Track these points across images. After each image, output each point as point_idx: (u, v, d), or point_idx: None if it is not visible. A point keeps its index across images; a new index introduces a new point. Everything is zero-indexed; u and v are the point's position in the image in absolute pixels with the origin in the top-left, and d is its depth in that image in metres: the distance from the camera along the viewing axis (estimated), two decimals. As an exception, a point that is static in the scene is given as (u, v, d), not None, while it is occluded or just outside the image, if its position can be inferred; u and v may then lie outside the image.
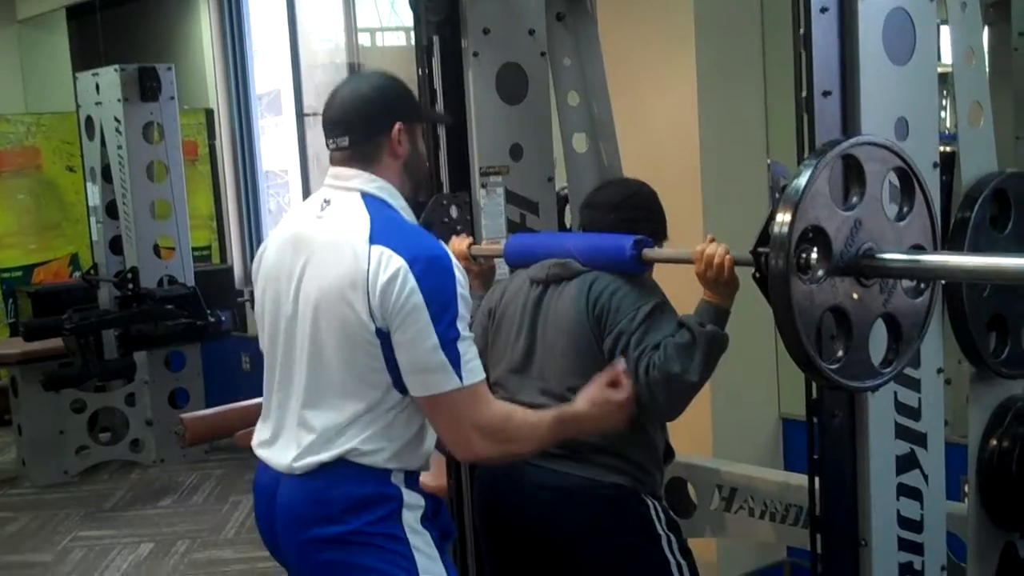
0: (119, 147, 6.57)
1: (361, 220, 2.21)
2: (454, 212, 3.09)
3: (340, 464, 2.21)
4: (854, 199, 2.06)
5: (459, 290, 2.16)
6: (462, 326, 2.15)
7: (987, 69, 2.61)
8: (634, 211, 2.73)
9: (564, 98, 3.37)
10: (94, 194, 6.90)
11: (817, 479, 2.37)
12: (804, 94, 2.22)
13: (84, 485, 6.44)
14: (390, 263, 2.12)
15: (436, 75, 3.06)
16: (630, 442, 2.59)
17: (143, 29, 8.39)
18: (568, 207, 3.44)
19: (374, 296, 2.12)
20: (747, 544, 4.09)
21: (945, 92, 3.39)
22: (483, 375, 2.20)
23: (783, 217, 1.97)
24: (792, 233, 1.97)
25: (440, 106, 3.07)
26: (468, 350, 2.16)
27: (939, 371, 2.41)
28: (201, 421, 4.98)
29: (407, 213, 2.30)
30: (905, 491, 2.37)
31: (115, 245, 6.77)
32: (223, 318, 6.53)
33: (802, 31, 2.19)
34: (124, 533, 5.57)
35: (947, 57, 2.49)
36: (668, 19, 4.13)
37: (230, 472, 6.38)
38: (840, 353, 2.06)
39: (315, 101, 7.94)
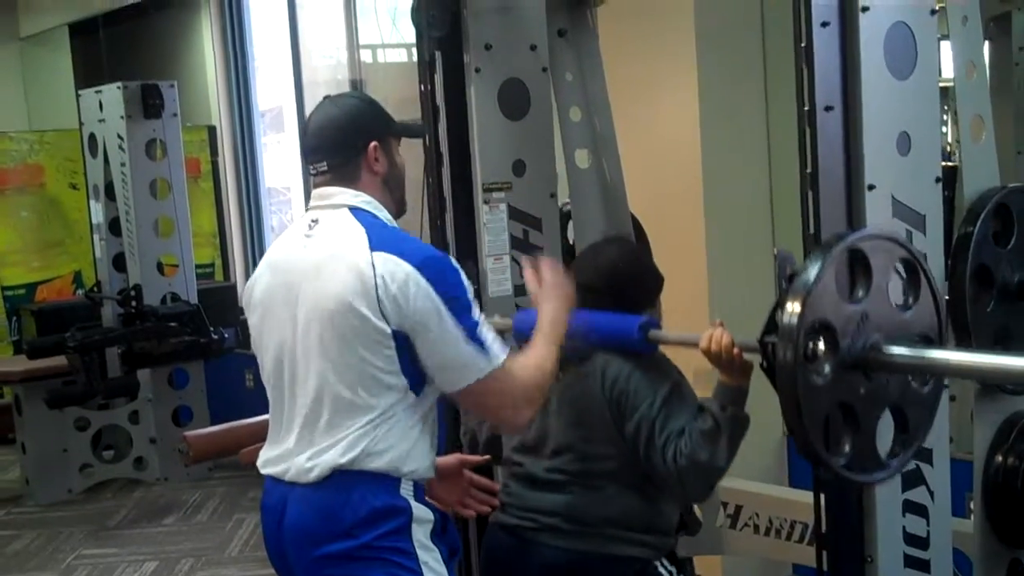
0: (122, 164, 6.57)
1: (356, 232, 2.25)
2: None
3: (351, 474, 2.21)
4: (860, 293, 2.07)
5: (465, 283, 2.24)
6: (476, 313, 2.23)
7: (988, 84, 2.60)
8: (621, 289, 2.70)
9: (566, 114, 3.36)
10: (97, 211, 6.90)
11: (823, 495, 2.35)
12: (806, 108, 2.21)
13: (88, 503, 6.43)
14: (398, 269, 2.18)
15: (438, 91, 3.06)
16: (641, 515, 2.61)
17: (146, 46, 8.41)
18: (571, 223, 3.43)
19: (386, 301, 2.16)
20: (752, 561, 4.07)
21: (946, 107, 3.38)
22: (506, 348, 2.26)
23: (791, 309, 1.99)
24: (801, 326, 1.98)
25: (442, 123, 3.07)
26: (488, 332, 2.23)
27: (944, 387, 2.39)
28: (205, 439, 4.98)
29: (394, 224, 2.36)
30: (911, 508, 2.36)
31: (118, 262, 6.78)
32: (226, 335, 6.52)
33: (803, 45, 2.19)
34: (128, 551, 5.56)
35: (947, 72, 2.47)
36: (670, 35, 4.13)
37: (234, 490, 6.37)
38: (847, 448, 2.07)
39: (318, 118, 7.94)
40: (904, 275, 2.14)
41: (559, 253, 3.25)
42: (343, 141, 2.35)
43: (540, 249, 3.18)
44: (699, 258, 4.07)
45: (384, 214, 2.35)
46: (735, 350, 2.41)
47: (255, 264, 8.50)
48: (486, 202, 3.10)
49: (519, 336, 2.85)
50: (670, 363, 2.67)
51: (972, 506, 2.69)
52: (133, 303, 6.54)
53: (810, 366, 2.00)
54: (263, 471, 2.37)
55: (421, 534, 2.25)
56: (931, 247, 2.32)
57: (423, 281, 2.17)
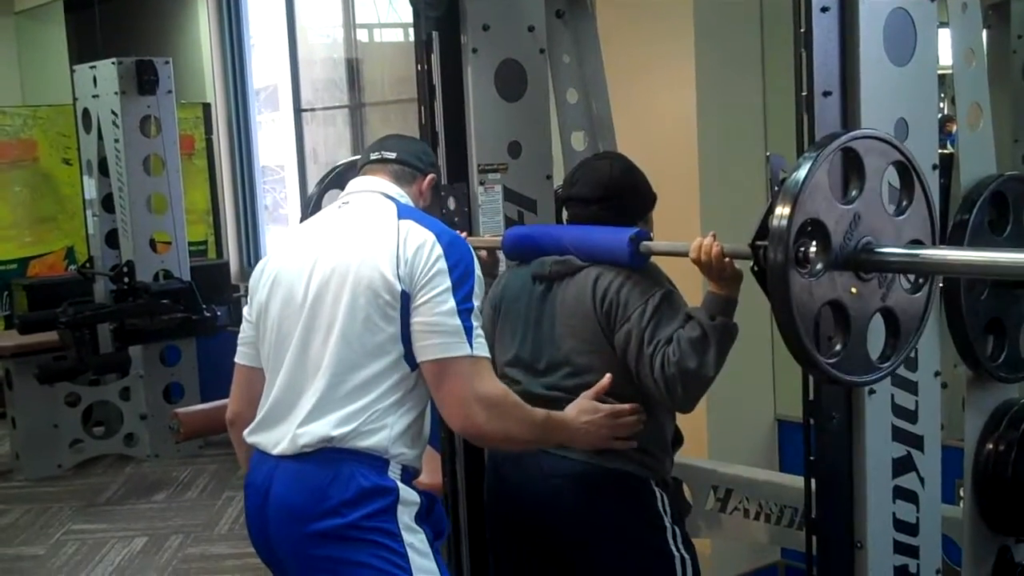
0: (116, 140, 6.56)
1: (386, 205, 2.39)
2: (451, 203, 3.08)
3: (340, 451, 2.22)
4: (853, 192, 2.05)
5: (476, 270, 2.30)
6: (476, 302, 2.27)
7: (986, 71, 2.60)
8: (614, 200, 2.70)
9: (563, 95, 3.36)
10: (90, 187, 6.89)
11: (813, 481, 2.36)
12: (804, 93, 2.21)
13: (77, 479, 6.43)
14: (419, 233, 2.28)
15: (435, 71, 3.05)
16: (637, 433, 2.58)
17: (141, 22, 8.38)
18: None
19: (403, 261, 2.23)
20: (741, 545, 4.08)
21: (942, 94, 3.38)
22: (488, 353, 2.28)
23: (782, 210, 1.96)
24: (791, 226, 1.95)
25: (439, 103, 3.06)
26: (479, 326, 2.26)
27: (936, 374, 2.40)
28: (196, 416, 4.98)
29: None
30: (901, 494, 2.36)
31: (111, 239, 6.77)
32: (219, 313, 6.53)
33: (803, 30, 2.18)
34: (117, 527, 5.57)
35: (944, 59, 2.47)
36: (668, 17, 4.12)
37: (224, 467, 6.37)
38: (838, 347, 2.05)
39: (312, 97, 7.94)
40: (898, 178, 2.13)
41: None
42: (417, 154, 2.56)
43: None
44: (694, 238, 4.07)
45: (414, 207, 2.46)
46: (725, 258, 2.41)
47: (248, 242, 8.54)
48: (481, 183, 3.10)
49: (508, 251, 2.86)
50: (661, 273, 2.66)
51: (962, 493, 2.70)
52: (125, 279, 6.55)
53: (801, 267, 1.99)
54: (250, 439, 2.37)
55: (407, 516, 2.26)
56: (926, 234, 2.32)
57: (439, 247, 2.26)
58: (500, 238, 2.90)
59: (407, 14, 3.12)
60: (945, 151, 2.67)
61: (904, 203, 2.11)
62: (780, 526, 3.29)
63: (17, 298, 7.52)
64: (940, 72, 2.40)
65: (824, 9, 2.18)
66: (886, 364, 2.12)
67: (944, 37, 2.46)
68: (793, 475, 3.40)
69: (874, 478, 2.32)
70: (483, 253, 2.98)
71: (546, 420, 2.39)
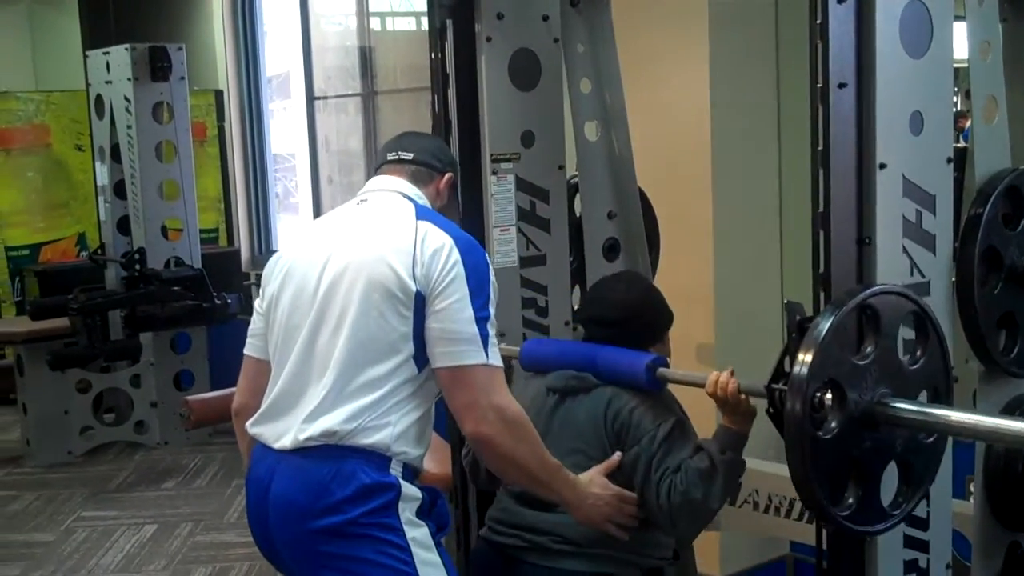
0: (128, 127, 6.56)
1: (404, 205, 2.38)
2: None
3: (342, 448, 2.21)
4: (869, 348, 2.08)
5: (492, 277, 2.29)
6: (492, 310, 2.26)
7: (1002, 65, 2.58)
8: (631, 324, 2.72)
9: (576, 85, 3.34)
10: (103, 173, 6.89)
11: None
12: (819, 85, 2.20)
13: (88, 466, 6.45)
14: (437, 236, 2.27)
15: (449, 59, 3.04)
16: (636, 540, 2.59)
17: (154, 8, 8.39)
18: (578, 196, 3.42)
19: (420, 262, 2.22)
20: (751, 538, 4.08)
21: (956, 88, 3.36)
22: (503, 364, 2.28)
23: (802, 360, 2.00)
24: (810, 383, 2.00)
25: (452, 91, 3.06)
26: (495, 334, 2.26)
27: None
28: (206, 403, 5.00)
29: None
30: (912, 488, 2.35)
31: (123, 225, 6.77)
32: (229, 301, 6.53)
33: (819, 21, 2.17)
34: (127, 514, 5.58)
35: (960, 52, 2.45)
36: (682, 7, 4.11)
37: (234, 455, 6.35)
38: (851, 500, 2.08)
39: (325, 84, 7.94)
40: (913, 329, 2.17)
41: (566, 226, 3.24)
42: (437, 154, 2.55)
43: (548, 220, 3.18)
44: (706, 233, 4.07)
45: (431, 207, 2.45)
46: (741, 396, 2.43)
47: (259, 230, 8.55)
48: (494, 172, 3.09)
49: (524, 363, 2.87)
50: (675, 400, 2.69)
51: (972, 488, 2.69)
52: (137, 266, 6.55)
53: (817, 417, 2.02)
54: (252, 430, 2.36)
55: (408, 511, 2.25)
56: (940, 228, 2.31)
57: (457, 253, 2.24)
58: (517, 349, 2.90)
59: (420, 2, 3.11)
60: (959, 145, 2.65)
61: (918, 353, 2.15)
62: (790, 519, 3.29)
63: (29, 284, 7.54)
64: (955, 65, 2.38)
65: (840, 0, 2.16)
66: (898, 512, 2.16)
67: (960, 30, 2.45)
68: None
69: (884, 472, 2.31)
70: None
71: (558, 469, 2.38)
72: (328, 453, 2.22)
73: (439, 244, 2.25)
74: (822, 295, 2.22)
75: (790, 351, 2.09)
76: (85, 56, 7.07)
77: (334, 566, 2.22)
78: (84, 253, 7.48)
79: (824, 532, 2.36)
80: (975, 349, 2.55)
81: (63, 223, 8.09)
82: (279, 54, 8.42)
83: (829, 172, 2.21)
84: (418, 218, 2.31)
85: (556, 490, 2.43)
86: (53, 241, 8.06)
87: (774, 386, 2.15)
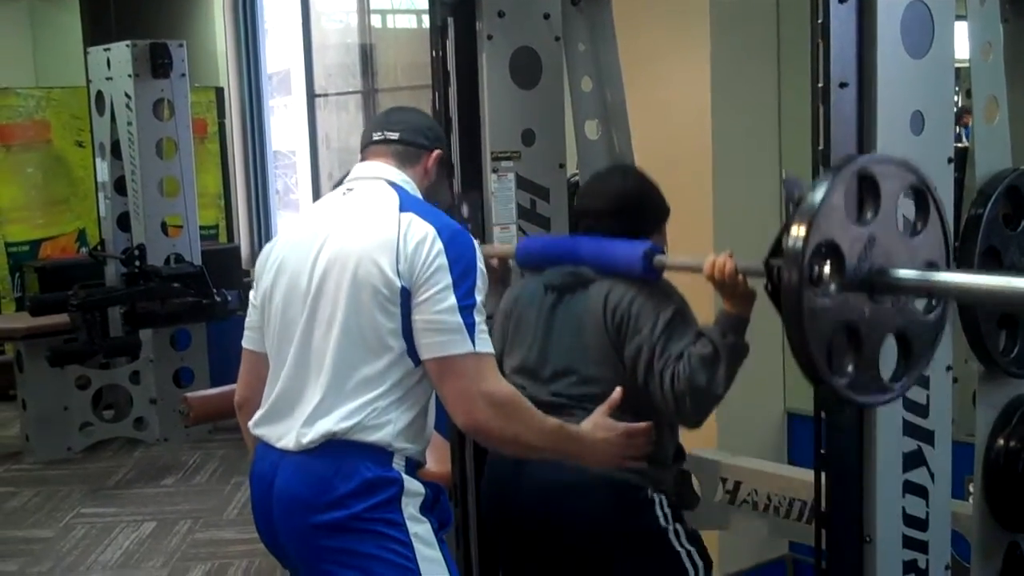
0: (129, 123, 6.56)
1: (389, 195, 2.33)
2: (465, 212, 3.08)
3: (344, 443, 2.21)
4: (868, 215, 2.04)
5: (479, 264, 2.26)
6: (479, 297, 2.23)
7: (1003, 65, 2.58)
8: (627, 214, 2.70)
9: (577, 84, 3.34)
10: (103, 170, 6.89)
11: (823, 474, 2.35)
12: (820, 84, 2.19)
13: (87, 462, 6.45)
14: (420, 227, 2.23)
15: (450, 57, 3.05)
16: None
17: (155, 5, 8.38)
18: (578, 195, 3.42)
19: (403, 256, 2.20)
20: (750, 538, 4.07)
21: (957, 87, 3.36)
22: (492, 349, 2.25)
23: (797, 231, 1.95)
24: (806, 247, 1.94)
25: (453, 89, 3.06)
26: (482, 321, 2.23)
27: (948, 368, 2.39)
28: (205, 400, 4.98)
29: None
30: (911, 488, 2.35)
31: (123, 222, 6.77)
32: (229, 297, 6.52)
33: (820, 21, 2.17)
34: (127, 511, 5.58)
35: (961, 52, 2.45)
36: (683, 5, 4.10)
37: (233, 452, 6.38)
38: (850, 368, 2.04)
39: (325, 82, 7.93)
40: (913, 201, 2.10)
41: (566, 224, 3.24)
42: (423, 131, 2.48)
43: (548, 219, 3.18)
44: (706, 232, 4.06)
45: (418, 194, 2.40)
46: (739, 276, 2.40)
47: (260, 226, 8.55)
48: (494, 171, 3.09)
49: (521, 261, 2.85)
50: (674, 289, 2.66)
51: (971, 489, 2.69)
52: (136, 263, 6.55)
53: (815, 288, 1.97)
54: (255, 431, 2.36)
55: (412, 506, 2.25)
56: (941, 228, 2.31)
57: (439, 243, 2.21)
58: (513, 247, 2.90)
59: (421, 0, 3.11)
60: (960, 144, 2.65)
61: (919, 226, 2.10)
62: (789, 519, 3.28)
63: (28, 280, 7.53)
64: (956, 65, 2.38)
65: (842, 0, 2.16)
66: (898, 384, 2.12)
67: (961, 30, 2.45)
68: (802, 468, 3.39)
69: (884, 472, 2.31)
70: (495, 262, 2.97)
71: (559, 429, 2.34)
72: (331, 450, 2.21)
73: (422, 235, 2.22)
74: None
75: (786, 225, 2.01)
76: (86, 52, 7.07)
77: (337, 560, 2.22)
78: (84, 249, 7.49)
79: (824, 532, 2.36)
80: (975, 349, 2.55)
81: (63, 219, 8.09)
82: (280, 51, 8.42)
83: (830, 172, 2.20)
84: (402, 210, 2.27)
85: (562, 451, 2.39)
86: (53, 237, 8.06)
87: (772, 261, 2.09)
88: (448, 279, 2.19)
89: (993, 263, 2.47)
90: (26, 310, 6.60)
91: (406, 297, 2.20)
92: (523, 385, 2.69)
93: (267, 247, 2.46)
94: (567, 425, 2.37)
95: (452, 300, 2.19)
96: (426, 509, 2.28)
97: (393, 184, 2.37)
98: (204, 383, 6.65)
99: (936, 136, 2.26)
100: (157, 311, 6.47)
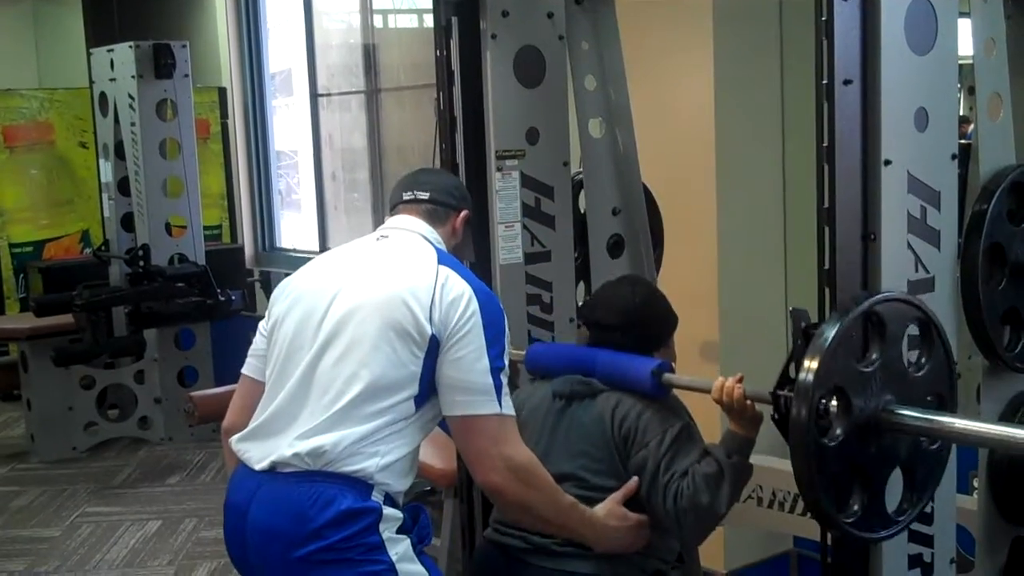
0: (132, 124, 6.57)
1: (426, 248, 2.40)
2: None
3: (323, 474, 2.21)
4: (874, 355, 2.09)
5: (507, 330, 2.33)
6: (504, 360, 2.28)
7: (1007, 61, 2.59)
8: (636, 329, 2.74)
9: (581, 82, 3.35)
10: (106, 170, 6.90)
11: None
12: (824, 82, 2.20)
13: (92, 461, 6.47)
14: (457, 284, 2.30)
15: (454, 56, 3.05)
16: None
17: (158, 6, 8.39)
18: (582, 192, 3.43)
19: (438, 306, 2.25)
20: (754, 534, 4.09)
21: (960, 85, 3.36)
22: (515, 413, 2.31)
23: (808, 368, 2.01)
24: (816, 390, 2.00)
25: (457, 88, 3.07)
26: (507, 385, 2.28)
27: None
28: (210, 399, 4.99)
29: None
30: (916, 483, 2.36)
31: (127, 222, 6.78)
32: (233, 297, 6.55)
33: (824, 18, 2.18)
34: (132, 510, 5.60)
35: (964, 50, 2.46)
36: (687, 4, 4.11)
37: (238, 451, 6.37)
38: (856, 507, 2.09)
39: (328, 82, 7.94)
40: (918, 335, 2.17)
41: (570, 222, 3.25)
42: (451, 191, 2.59)
43: (552, 217, 3.19)
44: (710, 229, 4.07)
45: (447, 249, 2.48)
46: (747, 401, 2.44)
47: (263, 227, 8.56)
48: (499, 169, 3.09)
49: (530, 366, 2.88)
50: (681, 405, 2.70)
51: (976, 483, 2.69)
52: (141, 263, 6.56)
53: (822, 424, 2.03)
54: (237, 445, 2.35)
55: (389, 530, 2.25)
56: (945, 224, 2.32)
57: (475, 303, 2.27)
58: (523, 352, 2.91)
59: (423, 0, 3.12)
60: (963, 141, 2.66)
61: (923, 360, 2.15)
62: (793, 514, 3.30)
63: (33, 281, 7.54)
64: (960, 62, 2.39)
65: (845, -3, 2.17)
66: (902, 518, 2.17)
67: (964, 27, 2.45)
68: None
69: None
70: None
71: (572, 508, 2.40)
72: (309, 478, 2.21)
73: (459, 292, 2.27)
74: (827, 292, 2.23)
75: (795, 357, 2.11)
76: (89, 53, 7.08)
77: None
78: (88, 250, 7.49)
79: (829, 527, 2.38)
80: (979, 345, 2.56)
81: (67, 220, 8.10)
82: (282, 51, 8.43)
83: (834, 169, 2.21)
84: (439, 263, 2.33)
85: (573, 530, 2.46)
86: (57, 238, 8.07)
87: (779, 392, 2.17)
88: (482, 340, 2.24)
89: (997, 259, 2.48)
90: (30, 311, 6.61)
91: (434, 345, 2.23)
92: None
93: (285, 280, 2.49)
94: (581, 506, 2.43)
95: (485, 361, 2.24)
96: (405, 530, 2.29)
97: (426, 238, 2.44)
98: (208, 382, 6.67)
99: (940, 133, 2.27)
100: (161, 311, 6.49)
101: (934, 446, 2.18)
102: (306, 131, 8.07)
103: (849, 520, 2.08)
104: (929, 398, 2.16)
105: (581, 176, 3.41)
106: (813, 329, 2.11)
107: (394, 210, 2.55)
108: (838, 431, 2.04)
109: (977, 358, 2.62)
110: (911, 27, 2.21)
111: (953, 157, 2.31)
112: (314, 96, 7.95)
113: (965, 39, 2.45)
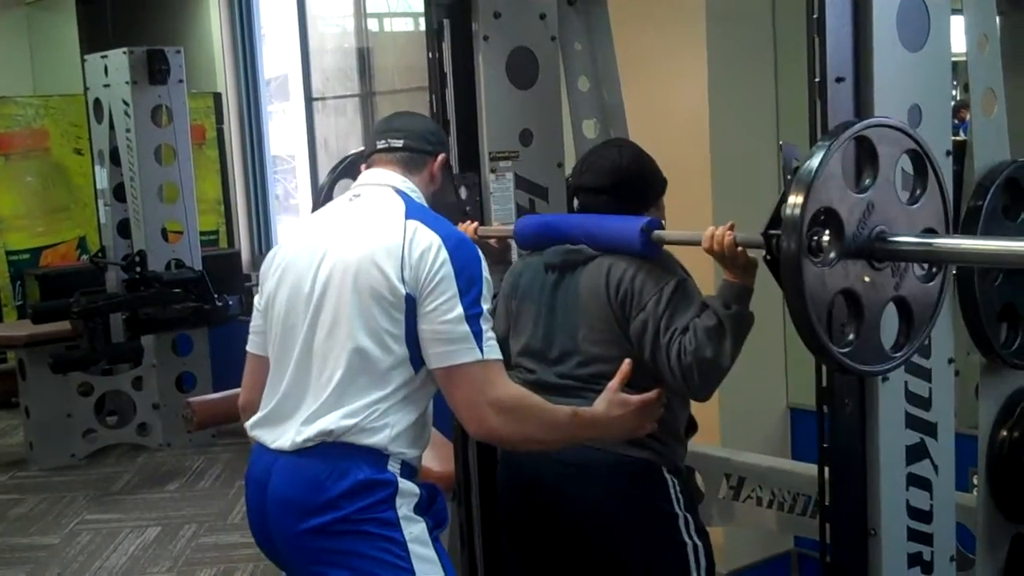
0: (127, 130, 6.56)
1: (395, 202, 2.34)
2: (463, 193, 3.08)
3: (339, 445, 2.21)
4: (867, 181, 2.04)
5: (484, 273, 2.26)
6: (485, 305, 2.24)
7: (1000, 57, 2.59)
8: (624, 189, 2.69)
9: (575, 83, 3.35)
10: (102, 177, 6.90)
11: (827, 468, 2.35)
12: (817, 80, 2.20)
13: (91, 468, 6.46)
14: (425, 236, 2.24)
15: (446, 58, 3.05)
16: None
17: (152, 12, 8.37)
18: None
19: (408, 264, 2.21)
20: (755, 534, 4.08)
21: (955, 81, 3.35)
22: (500, 355, 2.26)
23: (795, 199, 1.95)
24: (804, 214, 1.94)
25: (450, 91, 3.06)
26: (488, 328, 2.23)
27: (950, 361, 2.39)
28: (208, 405, 4.99)
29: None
30: (915, 481, 2.36)
31: (123, 228, 6.78)
32: (230, 302, 6.54)
33: (816, 16, 2.17)
34: (131, 517, 5.58)
35: (958, 46, 2.46)
36: (679, 4, 4.11)
37: (237, 456, 6.38)
38: (851, 337, 2.04)
39: (323, 86, 7.94)
40: (911, 167, 2.11)
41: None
42: (426, 136, 2.50)
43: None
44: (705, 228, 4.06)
45: (423, 201, 2.42)
46: (738, 247, 2.40)
47: (260, 232, 8.55)
48: (493, 171, 3.09)
49: (520, 240, 2.85)
50: (675, 262, 2.65)
51: (976, 481, 2.69)
52: (137, 269, 6.56)
53: (814, 257, 1.97)
54: (252, 433, 2.36)
55: (406, 507, 2.24)
56: (940, 221, 2.31)
57: (444, 252, 2.22)
58: (512, 227, 2.90)
59: (417, 3, 3.11)
60: (957, 138, 2.65)
61: (918, 191, 2.10)
62: (793, 514, 3.29)
63: (30, 288, 7.54)
64: (953, 59, 2.39)
65: (838, -6, 2.17)
66: (899, 353, 2.11)
67: (957, 24, 2.45)
68: (806, 463, 3.40)
69: (887, 465, 2.31)
70: (494, 242, 2.98)
71: (572, 419, 2.35)
72: (325, 451, 2.22)
73: (427, 244, 2.22)
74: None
75: (784, 194, 2.02)
76: (83, 60, 7.07)
77: (332, 561, 2.21)
78: (85, 256, 7.48)
79: (828, 527, 2.37)
80: (976, 342, 2.56)
81: (63, 227, 8.09)
82: (277, 56, 8.42)
83: (828, 167, 2.20)
84: (407, 217, 2.28)
85: (579, 437, 2.41)
86: (53, 245, 8.06)
87: (771, 232, 2.08)
88: (454, 288, 2.20)
89: (993, 255, 2.47)
90: (28, 318, 6.60)
91: (411, 304, 2.21)
92: (531, 368, 2.71)
93: (271, 252, 2.46)
94: (580, 411, 2.36)
95: (459, 309, 2.19)
96: (421, 509, 2.28)
97: (399, 191, 2.38)
98: (207, 388, 6.66)
99: (934, 129, 2.26)
100: (158, 317, 6.48)
101: (931, 282, 2.12)
102: (301, 135, 8.06)
103: (844, 351, 2.03)
104: (924, 231, 2.09)
105: (576, 178, 3.40)
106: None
107: (369, 160, 2.49)
108: (831, 255, 1.97)
109: (975, 355, 2.62)
110: (903, 23, 2.21)
111: (947, 154, 2.30)
112: (309, 100, 7.94)
113: (958, 36, 2.45)
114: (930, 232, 2.09)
